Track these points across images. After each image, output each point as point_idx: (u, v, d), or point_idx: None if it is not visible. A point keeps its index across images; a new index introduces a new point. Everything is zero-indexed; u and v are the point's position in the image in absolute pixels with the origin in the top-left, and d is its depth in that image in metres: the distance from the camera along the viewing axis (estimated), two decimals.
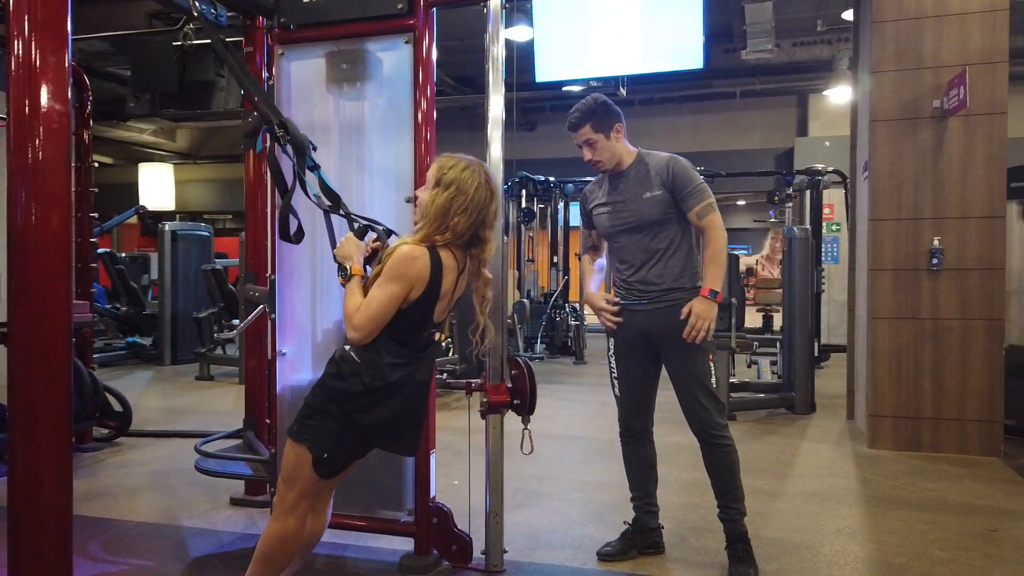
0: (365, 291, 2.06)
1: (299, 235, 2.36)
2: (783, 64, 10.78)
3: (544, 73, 5.82)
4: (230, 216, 19.65)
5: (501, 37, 2.75)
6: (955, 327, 4.53)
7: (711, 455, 2.78)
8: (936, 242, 4.52)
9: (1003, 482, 3.98)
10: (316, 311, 2.96)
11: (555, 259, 9.57)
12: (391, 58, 2.84)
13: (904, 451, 4.57)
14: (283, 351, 2.95)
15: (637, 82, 10.70)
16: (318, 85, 2.92)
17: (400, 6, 2.77)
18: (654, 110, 12.19)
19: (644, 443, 2.95)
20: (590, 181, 3.02)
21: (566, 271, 9.59)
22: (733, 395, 5.70)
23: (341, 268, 2.13)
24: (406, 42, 2.80)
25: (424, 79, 2.79)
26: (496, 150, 2.74)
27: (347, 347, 2.08)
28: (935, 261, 4.52)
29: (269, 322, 3.10)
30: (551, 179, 9.44)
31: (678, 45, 5.57)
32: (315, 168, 2.35)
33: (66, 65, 2.11)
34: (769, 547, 3.00)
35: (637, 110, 12.01)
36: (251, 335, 3.63)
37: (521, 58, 5.62)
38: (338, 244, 2.18)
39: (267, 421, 3.62)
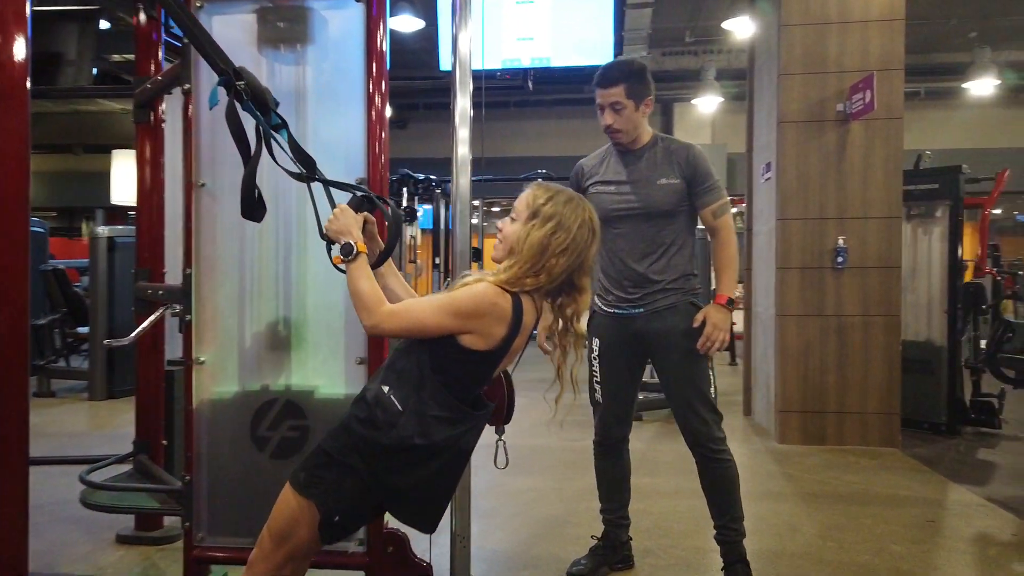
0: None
1: (263, 211, 1.94)
2: (653, 72, 11.09)
3: (449, 62, 5.49)
4: (55, 214, 17.64)
5: (468, 23, 2.45)
6: (857, 323, 4.71)
7: (709, 471, 2.55)
8: (841, 241, 4.68)
9: (912, 471, 4.15)
10: (244, 312, 2.50)
11: (437, 260, 9.25)
12: (338, 18, 2.45)
13: (812, 445, 4.69)
14: (201, 359, 2.47)
15: (510, 85, 10.65)
16: (248, 45, 2.47)
17: None
18: (526, 113, 12.17)
19: (620, 455, 2.73)
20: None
21: (447, 273, 9.28)
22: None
23: (341, 246, 1.72)
24: (357, 0, 2.43)
25: (377, 43, 2.44)
26: (464, 150, 2.45)
27: (385, 388, 1.67)
28: (840, 259, 4.67)
29: (183, 326, 2.60)
30: (432, 177, 9.12)
31: (588, 40, 5.46)
32: (282, 127, 1.93)
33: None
34: None
35: (511, 112, 11.94)
36: (143, 342, 3.07)
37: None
38: (330, 218, 1.79)
39: (164, 442, 3.09)
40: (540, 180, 1.84)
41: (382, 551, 2.46)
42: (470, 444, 1.73)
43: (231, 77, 1.82)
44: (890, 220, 4.68)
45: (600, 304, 2.66)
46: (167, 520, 3.06)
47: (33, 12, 4.85)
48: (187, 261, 2.56)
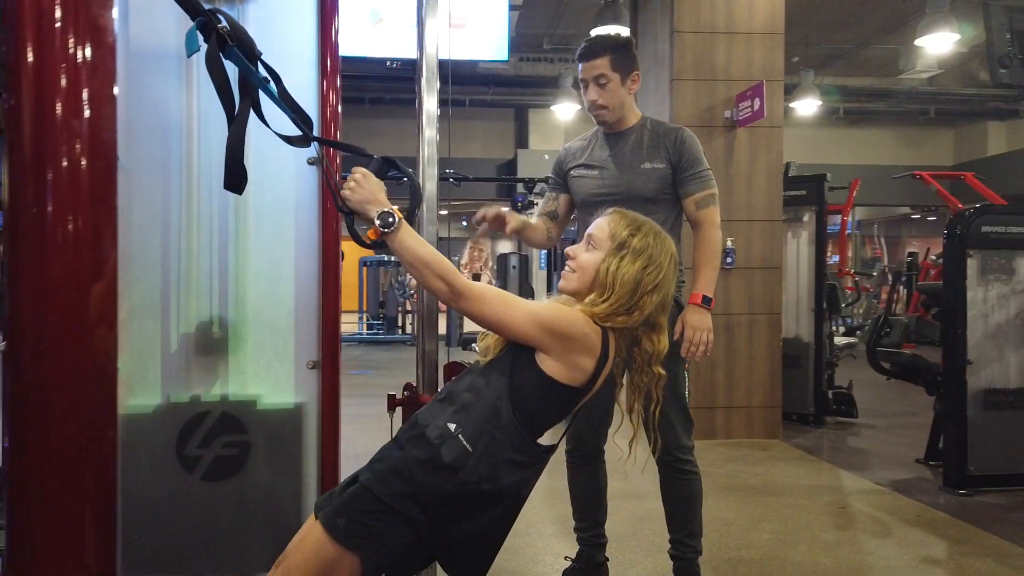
0: None
1: (246, 181, 1.61)
2: (512, 77, 11.18)
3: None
4: None
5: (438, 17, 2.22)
6: (743, 321, 4.91)
7: (671, 480, 2.41)
8: (729, 242, 4.86)
9: (798, 460, 4.38)
10: (169, 312, 2.11)
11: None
12: (288, 5, 2.15)
13: (704, 439, 4.82)
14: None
15: (366, 77, 10.29)
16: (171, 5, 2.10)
17: None
18: (383, 111, 11.80)
19: (595, 465, 2.52)
20: None
21: None
22: None
23: (377, 216, 1.47)
24: None
25: (332, 6, 2.16)
26: (430, 150, 2.23)
27: (451, 425, 1.44)
28: (728, 260, 4.86)
29: None
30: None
31: (486, 35, 5.33)
32: (271, 81, 1.62)
33: None
34: None
35: (367, 109, 11.54)
36: None
37: None
38: (350, 185, 1.52)
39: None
40: (619, 208, 1.67)
41: None
42: (528, 491, 1.55)
43: (209, 18, 1.50)
44: (772, 223, 4.94)
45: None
46: None
47: None
48: None
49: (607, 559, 2.59)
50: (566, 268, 1.64)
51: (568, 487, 2.57)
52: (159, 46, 2.07)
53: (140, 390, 2.11)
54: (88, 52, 1.06)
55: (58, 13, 1.04)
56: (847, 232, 11.75)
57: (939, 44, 8.52)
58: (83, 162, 1.09)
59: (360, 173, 1.53)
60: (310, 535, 1.45)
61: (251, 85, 1.55)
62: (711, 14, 4.87)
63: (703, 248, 2.40)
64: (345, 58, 2.28)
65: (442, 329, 7.75)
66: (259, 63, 1.59)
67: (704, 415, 4.88)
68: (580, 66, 2.41)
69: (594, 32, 7.95)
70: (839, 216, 6.40)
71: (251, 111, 1.56)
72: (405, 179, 1.78)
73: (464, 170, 12.39)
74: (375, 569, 1.42)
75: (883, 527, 3.21)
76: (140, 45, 2.04)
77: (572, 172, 2.49)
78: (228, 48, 1.49)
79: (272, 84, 1.59)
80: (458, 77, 11.05)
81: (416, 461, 1.43)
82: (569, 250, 1.66)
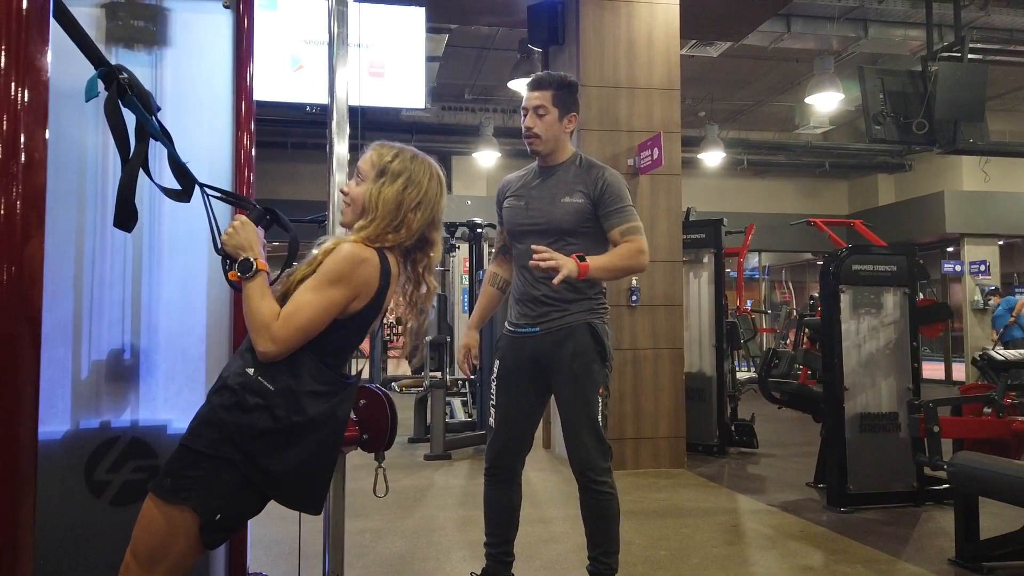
0: (282, 297, 1.60)
1: (135, 220, 1.72)
2: (435, 125, 11.47)
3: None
4: None
5: (346, 42, 2.39)
6: (648, 356, 5.19)
7: (589, 500, 2.49)
8: (634, 281, 5.16)
9: (701, 487, 4.63)
10: (80, 339, 2.18)
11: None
12: (203, 23, 2.29)
13: (616, 470, 5.00)
14: None
15: (288, 122, 10.40)
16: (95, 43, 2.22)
17: None
18: (304, 155, 11.87)
19: (512, 485, 2.61)
20: None
21: None
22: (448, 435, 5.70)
23: (238, 262, 1.61)
24: (226, 6, 2.29)
25: (248, 56, 2.32)
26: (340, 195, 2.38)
27: (249, 370, 1.56)
28: (634, 298, 5.14)
29: None
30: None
31: (405, 83, 5.56)
32: (163, 133, 1.75)
33: None
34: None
35: (289, 154, 11.59)
36: None
37: None
38: (228, 231, 1.65)
39: None
40: (381, 140, 1.84)
41: None
42: (346, 413, 1.68)
43: (111, 68, 1.64)
44: (673, 264, 5.27)
45: (507, 323, 2.62)
46: None
47: None
48: None
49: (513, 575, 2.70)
50: (342, 204, 1.80)
51: (483, 503, 2.66)
52: (79, 88, 2.18)
53: (48, 417, 2.16)
54: (26, 95, 1.19)
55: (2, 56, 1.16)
56: (747, 275, 12.35)
57: (827, 103, 9.26)
58: (18, 206, 1.19)
59: (239, 220, 1.67)
60: (145, 507, 1.55)
61: (146, 132, 1.68)
62: (613, 70, 5.25)
63: (615, 249, 2.47)
64: (266, 103, 2.43)
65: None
66: (156, 118, 1.72)
67: (614, 447, 5.07)
68: (525, 95, 2.57)
69: (513, 83, 8.31)
70: (751, 260, 6.86)
71: (142, 160, 1.68)
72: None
73: None
74: (209, 514, 1.50)
75: (769, 541, 3.46)
76: (61, 85, 2.14)
77: (505, 203, 2.65)
78: (127, 96, 1.63)
79: (165, 137, 1.73)
80: (382, 124, 11.28)
81: (221, 407, 1.54)
82: (342, 187, 1.83)
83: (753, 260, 15.93)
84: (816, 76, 9.00)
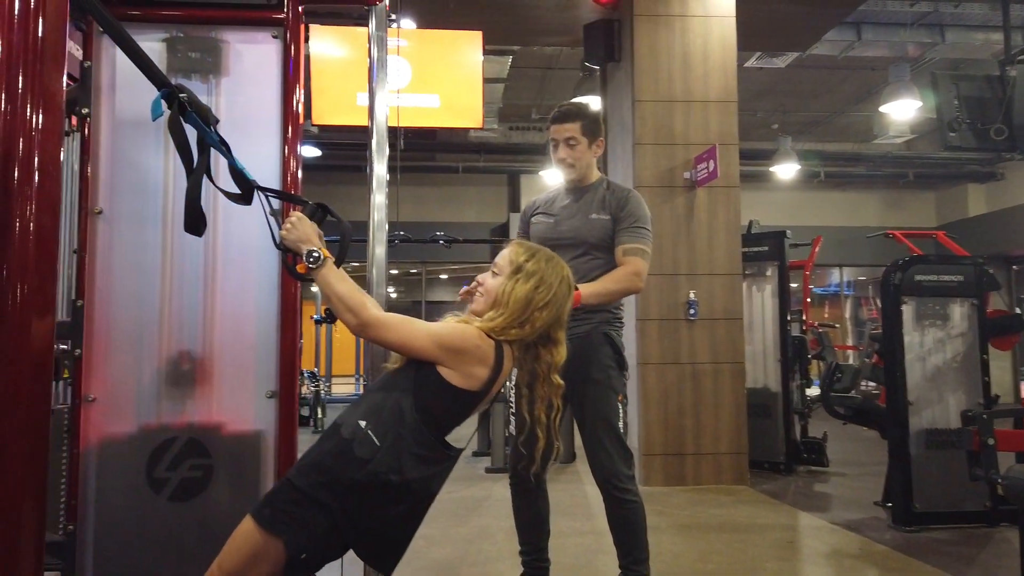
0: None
1: (205, 225, 1.89)
2: (503, 145, 11.67)
3: (321, 116, 5.57)
4: None
5: (386, 67, 2.52)
6: (708, 370, 5.13)
7: (614, 509, 2.53)
8: (692, 295, 5.12)
9: (762, 503, 4.53)
10: (143, 346, 2.36)
11: (327, 306, 8.98)
12: (254, 52, 2.47)
13: (674, 486, 4.98)
14: (91, 397, 2.30)
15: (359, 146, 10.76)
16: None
17: None
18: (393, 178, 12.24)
19: (537, 493, 2.66)
20: None
21: (300, 334, 8.99)
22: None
23: (304, 254, 1.72)
24: (275, 36, 2.46)
25: (295, 81, 2.48)
26: (380, 214, 2.50)
27: (362, 423, 1.65)
28: (692, 311, 5.11)
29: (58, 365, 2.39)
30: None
31: (461, 103, 5.73)
32: (222, 143, 1.91)
33: None
34: None
35: (352, 176, 11.98)
36: None
37: None
38: (286, 227, 1.78)
39: None
40: (519, 239, 1.95)
41: None
42: (438, 488, 1.74)
43: (174, 89, 1.81)
44: (732, 276, 5.21)
45: None
46: None
47: None
48: (79, 292, 2.41)
49: None
50: (476, 293, 1.90)
51: (513, 512, 2.72)
52: (141, 115, 2.38)
53: (114, 418, 2.35)
54: (41, 119, 1.33)
55: (20, 82, 1.30)
56: (829, 290, 11.91)
57: (904, 111, 8.95)
58: (31, 226, 1.34)
59: (296, 216, 1.80)
60: (241, 527, 1.66)
61: (206, 144, 1.84)
62: (669, 85, 5.26)
63: (610, 274, 2.59)
64: (338, 128, 2.60)
65: None
66: (214, 129, 1.88)
67: (673, 461, 5.05)
68: (553, 127, 2.72)
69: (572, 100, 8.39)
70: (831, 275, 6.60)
71: (204, 169, 1.84)
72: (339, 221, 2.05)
73: (458, 233, 12.80)
74: (296, 552, 1.60)
75: (824, 559, 3.37)
76: (124, 113, 2.36)
77: (532, 219, 2.79)
78: (187, 113, 1.79)
79: (225, 148, 1.88)
80: (451, 145, 11.58)
81: (331, 454, 1.64)
82: (478, 277, 1.92)
83: (833, 275, 15.43)
84: (892, 84, 8.72)
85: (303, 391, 8.64)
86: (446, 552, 3.45)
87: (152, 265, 2.32)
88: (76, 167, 2.46)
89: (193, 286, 2.35)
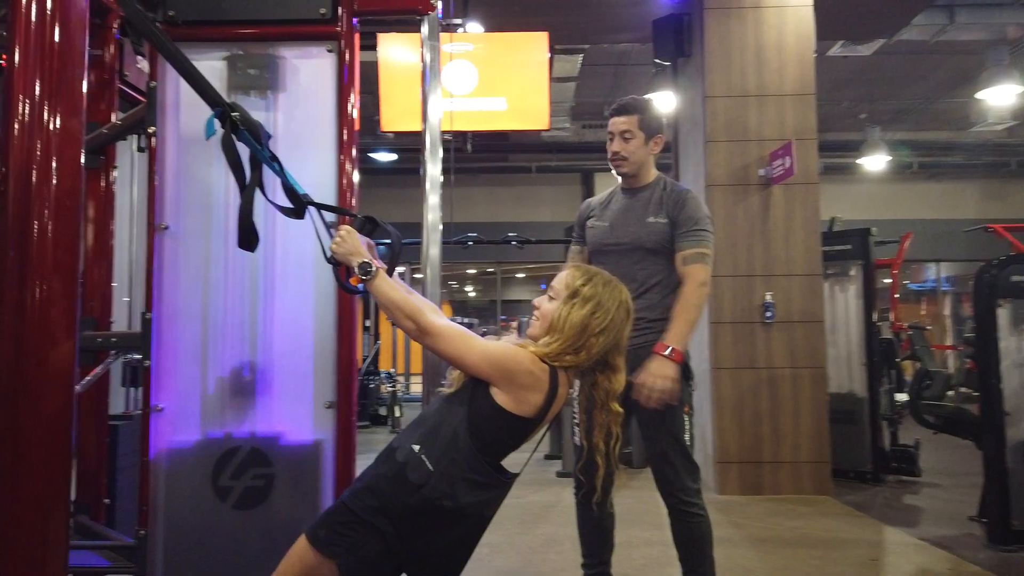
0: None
1: (257, 241, 1.93)
2: (575, 143, 11.57)
3: (390, 123, 5.64)
4: None
5: (439, 72, 2.53)
6: (786, 375, 4.92)
7: (680, 523, 2.47)
8: (768, 297, 4.93)
9: (845, 516, 4.32)
10: (208, 357, 2.43)
11: (367, 323, 9.17)
12: (310, 67, 2.50)
13: (750, 495, 4.81)
14: (160, 406, 2.38)
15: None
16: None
17: (323, 11, 2.48)
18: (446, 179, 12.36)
19: (603, 505, 2.59)
20: None
21: (378, 336, 9.19)
22: None
23: (357, 266, 1.73)
24: (329, 50, 2.49)
25: (349, 93, 2.50)
26: (434, 215, 2.50)
27: (415, 447, 1.64)
28: (768, 314, 4.92)
29: (126, 375, 2.50)
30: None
31: (528, 105, 5.70)
32: (274, 160, 1.94)
33: None
34: None
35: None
36: (86, 397, 2.91)
37: None
38: (336, 241, 1.79)
39: (106, 501, 2.92)
40: (577, 262, 1.90)
41: None
42: (492, 513, 1.71)
43: (226, 109, 1.84)
44: (812, 277, 4.98)
45: None
46: None
47: None
48: (147, 305, 2.49)
49: None
50: (532, 316, 1.86)
51: (576, 524, 2.67)
52: (203, 132, 2.44)
53: (181, 427, 2.42)
54: (59, 123, 1.37)
55: (37, 88, 1.35)
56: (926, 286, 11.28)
57: (1003, 97, 8.39)
58: (49, 226, 1.38)
59: (345, 230, 1.80)
60: (296, 546, 1.68)
61: (258, 162, 1.86)
62: (741, 79, 5.08)
63: (680, 301, 2.48)
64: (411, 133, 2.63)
65: None
66: (266, 146, 1.90)
67: (750, 470, 4.88)
68: (610, 121, 2.64)
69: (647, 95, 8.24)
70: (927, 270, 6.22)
71: (256, 186, 1.86)
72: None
73: (533, 234, 12.78)
74: (350, 574, 1.60)
75: None
76: (188, 133, 2.43)
77: (588, 223, 2.71)
78: (239, 131, 1.82)
79: (276, 164, 1.90)
80: (523, 145, 11.56)
81: (385, 478, 1.64)
82: (535, 301, 1.87)
83: (929, 270, 14.65)
84: (990, 69, 8.19)
85: (381, 391, 8.80)
86: (510, 561, 3.42)
87: (215, 279, 2.38)
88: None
89: (254, 299, 2.40)
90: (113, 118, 3.00)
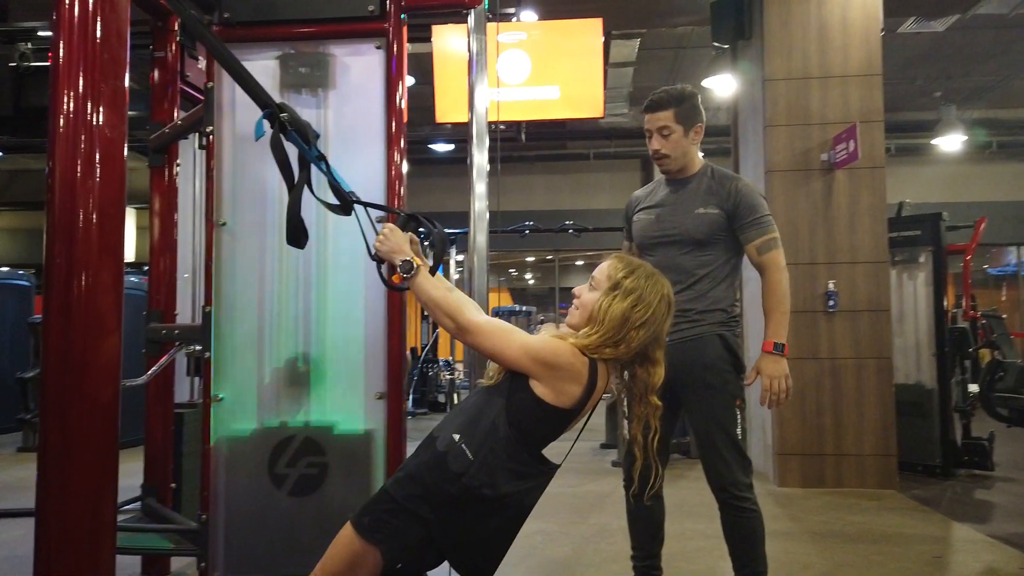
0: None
1: (306, 238, 1.98)
2: (634, 129, 11.42)
3: (445, 115, 5.68)
4: (33, 271, 17.42)
5: (485, 63, 2.53)
6: (850, 366, 4.78)
7: (731, 518, 2.41)
8: (831, 285, 4.79)
9: (911, 511, 4.18)
10: (263, 349, 2.51)
11: (426, 312, 9.30)
12: (359, 64, 2.54)
13: (811, 488, 4.70)
14: (220, 396, 2.47)
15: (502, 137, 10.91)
16: (270, 90, 2.55)
17: (371, 8, 2.51)
18: (506, 168, 12.38)
19: (645, 497, 2.50)
20: None
21: (436, 325, 9.30)
22: None
23: (399, 265, 1.78)
24: (377, 47, 2.52)
25: (397, 87, 2.53)
26: (481, 204, 2.51)
27: (456, 436, 1.67)
28: (831, 303, 4.78)
29: (191, 365, 2.60)
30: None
31: (581, 93, 5.66)
32: (321, 159, 1.99)
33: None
34: None
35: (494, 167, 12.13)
36: (153, 386, 3.05)
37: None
38: (379, 239, 1.83)
39: (172, 485, 3.05)
40: (619, 253, 1.89)
41: None
42: (532, 502, 1.73)
43: (275, 110, 1.89)
44: (877, 264, 4.82)
45: None
46: (175, 563, 3.00)
47: (27, 67, 4.95)
48: (207, 299, 2.58)
49: None
50: (572, 305, 1.85)
51: (627, 517, 2.64)
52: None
53: (239, 416, 2.50)
54: (103, 117, 1.44)
55: (81, 82, 1.41)
56: (1007, 271, 10.80)
57: None
58: (94, 216, 1.45)
59: (388, 228, 1.84)
60: (342, 533, 1.72)
61: (306, 161, 1.91)
62: (803, 61, 4.92)
63: (769, 294, 2.45)
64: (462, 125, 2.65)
65: None
66: (314, 145, 1.94)
67: (811, 462, 4.77)
68: (645, 117, 2.57)
69: (707, 81, 8.07)
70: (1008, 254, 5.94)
71: (304, 184, 1.91)
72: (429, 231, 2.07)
73: (591, 221, 12.72)
74: (393, 561, 1.65)
75: None
76: (243, 132, 2.49)
77: (634, 216, 2.65)
78: (288, 132, 1.87)
79: (323, 163, 1.95)
80: (580, 132, 11.48)
81: (426, 466, 1.67)
82: (575, 290, 1.87)
83: (1010, 254, 13.98)
84: None
85: (440, 378, 8.91)
86: (563, 550, 3.44)
87: (270, 273, 2.45)
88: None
89: (307, 293, 2.46)
90: (175, 117, 3.12)
